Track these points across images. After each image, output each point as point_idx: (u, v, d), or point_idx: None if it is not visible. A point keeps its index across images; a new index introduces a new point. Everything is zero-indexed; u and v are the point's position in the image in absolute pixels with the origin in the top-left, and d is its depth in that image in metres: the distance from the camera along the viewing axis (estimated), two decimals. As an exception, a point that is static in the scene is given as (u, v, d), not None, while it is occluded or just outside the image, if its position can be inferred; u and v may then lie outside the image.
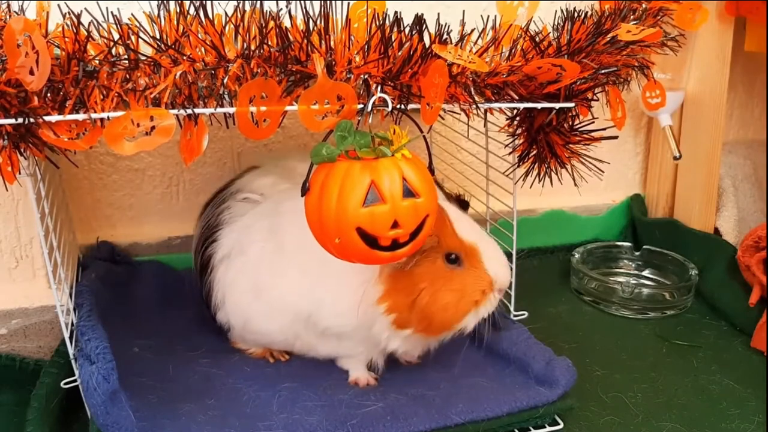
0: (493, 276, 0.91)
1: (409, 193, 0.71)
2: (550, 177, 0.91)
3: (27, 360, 1.07)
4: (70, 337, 0.91)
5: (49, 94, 0.64)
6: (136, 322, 1.14)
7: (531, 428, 0.92)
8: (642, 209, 1.54)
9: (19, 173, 0.70)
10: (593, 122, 0.85)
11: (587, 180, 0.91)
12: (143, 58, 0.66)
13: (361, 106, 0.71)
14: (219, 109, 0.68)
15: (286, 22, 0.69)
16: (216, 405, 0.94)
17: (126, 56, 0.66)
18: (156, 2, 0.71)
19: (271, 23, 0.68)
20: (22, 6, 0.71)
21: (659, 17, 0.99)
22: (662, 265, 1.39)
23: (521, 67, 0.76)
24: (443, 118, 1.27)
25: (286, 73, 0.69)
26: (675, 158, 1.31)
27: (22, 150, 0.67)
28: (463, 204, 1.00)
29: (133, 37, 0.67)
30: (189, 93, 0.67)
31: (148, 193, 1.27)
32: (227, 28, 0.69)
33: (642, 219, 1.51)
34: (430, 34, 0.72)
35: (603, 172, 0.90)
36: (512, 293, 1.13)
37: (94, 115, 0.65)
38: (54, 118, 0.65)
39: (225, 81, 0.67)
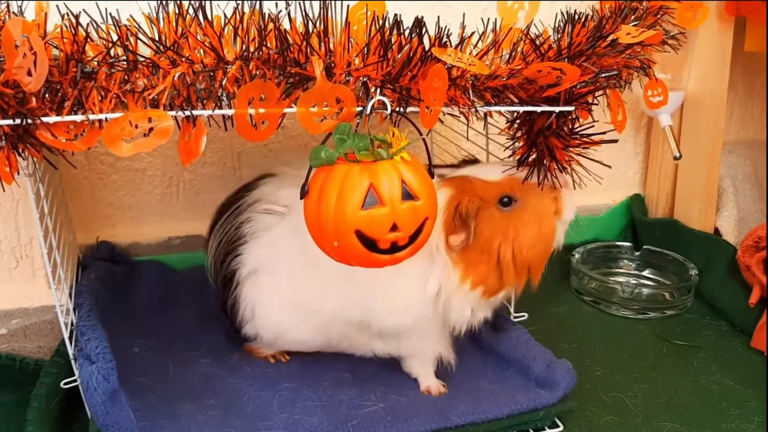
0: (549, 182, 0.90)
1: (408, 195, 0.71)
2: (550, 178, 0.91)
3: (27, 360, 1.07)
4: (70, 337, 0.91)
5: (47, 95, 0.64)
6: (136, 322, 1.14)
7: (531, 430, 0.92)
8: (642, 209, 1.53)
9: (18, 174, 0.70)
10: (593, 126, 0.85)
11: (587, 180, 0.91)
12: (142, 59, 0.66)
13: (360, 108, 0.71)
14: (217, 111, 0.68)
15: (286, 24, 0.69)
16: (216, 405, 0.94)
17: (124, 57, 0.65)
18: (155, 3, 0.70)
19: (271, 25, 0.68)
20: (21, 6, 0.71)
21: (660, 16, 0.99)
22: (662, 265, 1.39)
23: (521, 71, 0.76)
24: (442, 121, 1.28)
25: (285, 75, 0.68)
26: (675, 158, 1.31)
27: (20, 151, 0.67)
28: (473, 162, 1.01)
29: (131, 39, 0.66)
30: (187, 94, 0.67)
31: (148, 193, 1.27)
32: (226, 29, 0.68)
33: (642, 219, 1.50)
34: (429, 36, 0.72)
35: (603, 178, 0.90)
36: (512, 294, 1.12)
37: (92, 117, 0.65)
38: (52, 119, 0.65)
39: (224, 83, 0.67)
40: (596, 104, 0.84)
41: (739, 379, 1.06)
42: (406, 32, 0.71)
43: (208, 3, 0.70)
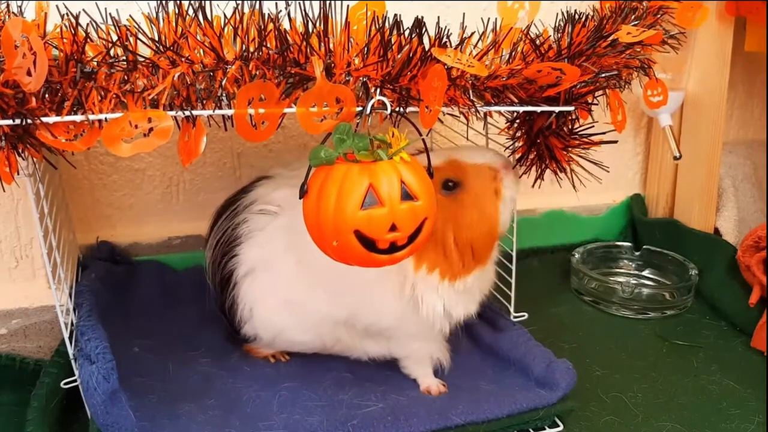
0: (489, 163, 0.90)
1: (407, 196, 0.71)
2: (550, 178, 0.91)
3: (27, 360, 1.07)
4: (70, 337, 0.91)
5: (46, 95, 0.64)
6: (136, 322, 1.14)
7: (531, 430, 0.92)
8: (642, 209, 1.53)
9: (18, 174, 0.70)
10: (593, 126, 0.85)
11: (587, 181, 0.91)
12: (141, 59, 0.66)
13: (359, 108, 0.71)
14: (217, 111, 0.68)
15: (285, 24, 0.69)
16: (216, 405, 0.94)
17: (124, 57, 0.65)
18: (155, 3, 0.70)
19: (270, 25, 0.68)
20: (20, 6, 0.71)
21: (660, 16, 0.99)
22: (662, 265, 1.39)
23: (521, 71, 0.76)
24: (442, 121, 1.28)
25: (285, 75, 0.68)
26: (675, 158, 1.31)
27: (20, 151, 0.67)
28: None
29: (131, 39, 0.66)
30: (187, 95, 0.67)
31: (148, 193, 1.27)
32: (226, 29, 0.68)
33: (642, 219, 1.50)
34: (429, 37, 0.72)
35: (602, 179, 0.90)
36: (512, 294, 1.13)
37: (92, 117, 0.65)
38: (52, 119, 0.65)
39: (223, 83, 0.67)
40: (596, 104, 0.84)
41: (739, 379, 1.06)
42: (406, 32, 0.71)
43: (208, 3, 0.70)
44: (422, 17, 0.71)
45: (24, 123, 0.64)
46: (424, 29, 0.71)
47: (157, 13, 0.70)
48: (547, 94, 0.78)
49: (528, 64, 0.76)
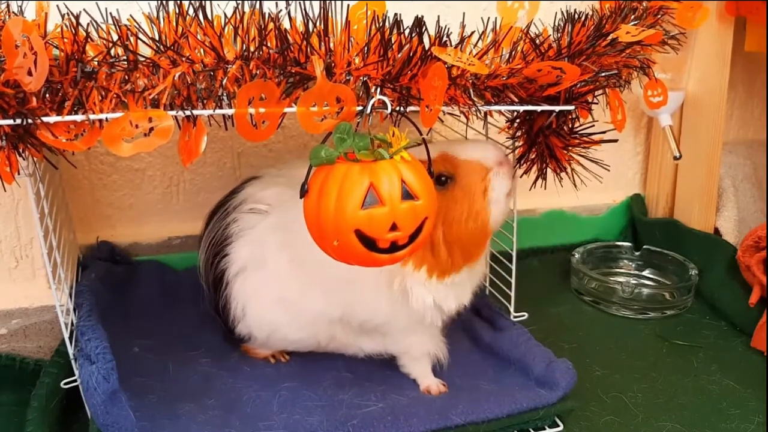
0: (481, 160, 0.89)
1: (407, 195, 0.71)
2: (550, 178, 0.91)
3: (27, 360, 1.07)
4: (70, 337, 0.91)
5: (47, 95, 0.64)
6: (136, 322, 1.14)
7: (531, 430, 0.92)
8: (642, 209, 1.53)
9: (18, 174, 0.70)
10: (593, 125, 0.85)
11: (588, 180, 0.91)
12: (142, 59, 0.66)
13: (360, 108, 0.71)
14: (218, 111, 0.68)
15: (286, 24, 0.69)
16: (216, 405, 0.94)
17: (125, 57, 0.65)
18: (155, 3, 0.70)
19: (271, 25, 0.68)
20: (21, 6, 0.71)
21: (660, 16, 0.99)
22: (662, 265, 1.39)
23: (521, 70, 0.76)
24: (443, 121, 1.28)
25: (285, 74, 0.68)
26: (675, 158, 1.31)
27: (20, 151, 0.67)
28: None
29: (132, 38, 0.66)
30: (188, 94, 0.67)
31: (148, 193, 1.27)
32: (226, 29, 0.68)
33: (642, 219, 1.50)
34: (429, 36, 0.72)
35: (602, 177, 0.90)
36: (512, 294, 1.13)
37: (92, 116, 0.65)
38: (52, 119, 0.65)
39: (224, 82, 0.67)
40: (596, 103, 0.84)
41: (739, 379, 1.06)
42: (406, 32, 0.71)
43: (208, 3, 0.70)
44: (422, 17, 0.71)
45: (25, 123, 0.64)
46: (424, 28, 0.71)
47: (157, 13, 0.70)
48: (547, 94, 0.78)
49: (528, 63, 0.76)
